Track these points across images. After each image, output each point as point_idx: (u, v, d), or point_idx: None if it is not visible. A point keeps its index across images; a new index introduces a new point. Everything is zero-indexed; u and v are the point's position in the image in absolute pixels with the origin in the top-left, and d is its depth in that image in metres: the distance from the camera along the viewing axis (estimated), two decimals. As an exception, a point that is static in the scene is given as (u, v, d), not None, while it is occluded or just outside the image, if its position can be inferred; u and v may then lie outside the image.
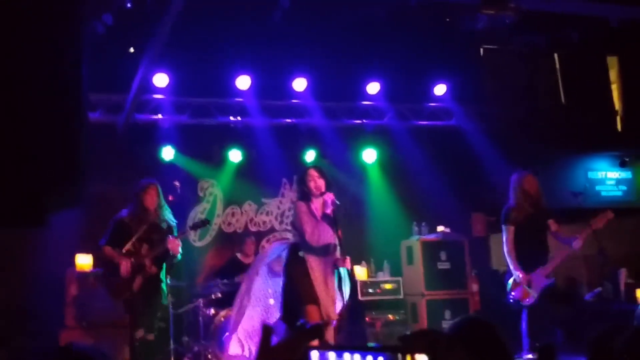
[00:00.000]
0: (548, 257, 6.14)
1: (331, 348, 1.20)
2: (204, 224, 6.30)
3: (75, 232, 7.03)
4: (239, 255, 7.67)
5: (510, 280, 6.10)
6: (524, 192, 6.19)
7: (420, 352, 1.11)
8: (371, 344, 1.18)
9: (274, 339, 1.40)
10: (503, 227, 6.18)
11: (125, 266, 5.70)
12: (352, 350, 1.17)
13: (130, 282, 5.72)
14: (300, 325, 1.29)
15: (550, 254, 6.19)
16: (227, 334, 6.10)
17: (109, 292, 5.86)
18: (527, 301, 6.02)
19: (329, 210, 5.24)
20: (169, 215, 5.98)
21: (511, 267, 6.07)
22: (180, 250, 5.77)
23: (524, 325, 6.04)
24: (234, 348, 5.91)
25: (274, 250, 5.92)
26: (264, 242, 8.32)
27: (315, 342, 1.26)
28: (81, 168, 3.85)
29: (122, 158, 7.57)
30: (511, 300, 6.14)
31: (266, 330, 1.29)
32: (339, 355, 1.19)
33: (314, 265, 5.24)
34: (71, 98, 3.85)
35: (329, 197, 5.25)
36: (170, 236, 5.77)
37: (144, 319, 5.72)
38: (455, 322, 2.28)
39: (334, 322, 5.38)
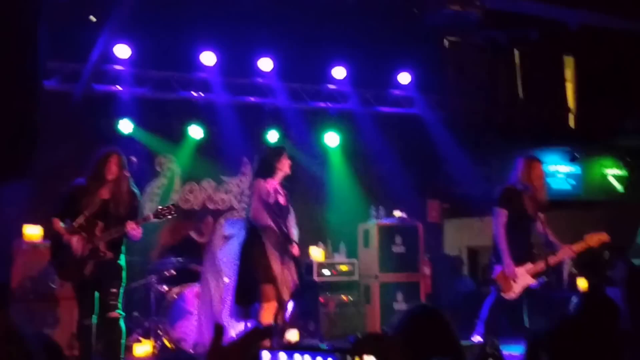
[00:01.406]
0: (533, 253, 5.78)
1: (282, 348, 1.22)
2: (169, 211, 5.32)
3: (26, 203, 6.85)
4: (192, 234, 7.60)
5: (499, 271, 5.66)
6: (529, 179, 5.70)
7: (368, 353, 1.15)
8: (322, 345, 1.21)
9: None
10: (496, 209, 5.67)
11: (77, 243, 5.00)
12: (303, 350, 1.19)
13: (81, 265, 5.02)
14: (253, 325, 1.30)
15: (534, 250, 5.83)
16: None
17: (58, 273, 5.22)
18: (509, 296, 5.65)
19: (271, 200, 5.28)
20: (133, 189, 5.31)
21: (502, 255, 5.60)
22: (140, 236, 5.11)
23: (484, 310, 5.78)
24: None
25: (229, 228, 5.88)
26: (221, 220, 8.27)
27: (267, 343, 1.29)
28: (32, 137, 3.70)
29: (78, 129, 7.36)
30: (491, 288, 5.78)
31: (218, 330, 1.28)
32: (290, 356, 1.20)
33: (271, 245, 5.25)
34: (25, 65, 3.70)
35: (271, 185, 5.30)
36: (129, 221, 5.02)
37: (93, 303, 5.03)
38: (405, 311, 2.35)
39: (288, 302, 5.38)
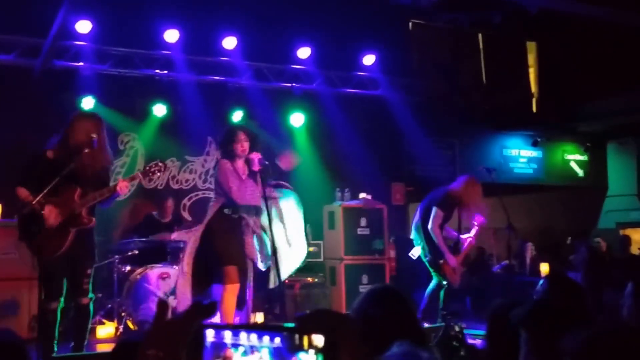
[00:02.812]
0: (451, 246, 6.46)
1: (227, 327, 1.18)
2: (158, 168, 4.99)
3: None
4: (155, 214, 7.48)
5: (444, 265, 6.28)
6: (467, 197, 6.26)
7: (317, 332, 1.10)
8: (268, 324, 1.18)
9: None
10: (436, 209, 6.25)
11: (49, 212, 4.57)
12: (249, 329, 1.15)
13: (61, 236, 4.63)
14: (196, 301, 1.26)
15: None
16: None
17: (31, 249, 4.67)
18: (456, 285, 6.31)
19: (255, 168, 5.16)
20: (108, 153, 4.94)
21: (442, 251, 6.22)
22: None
23: (431, 292, 6.34)
24: None
25: None
26: (185, 201, 8.16)
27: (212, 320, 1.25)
28: None
29: (38, 105, 7.17)
30: (445, 283, 6.30)
31: (161, 306, 1.23)
32: (235, 334, 1.16)
33: (238, 224, 5.17)
34: None
35: (256, 155, 5.18)
36: (120, 179, 4.78)
37: (61, 285, 4.67)
38: (366, 291, 2.32)
39: (250, 284, 5.28)
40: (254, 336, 1.14)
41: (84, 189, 4.71)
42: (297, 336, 1.10)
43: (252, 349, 1.14)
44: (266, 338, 1.13)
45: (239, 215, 5.15)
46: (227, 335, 1.16)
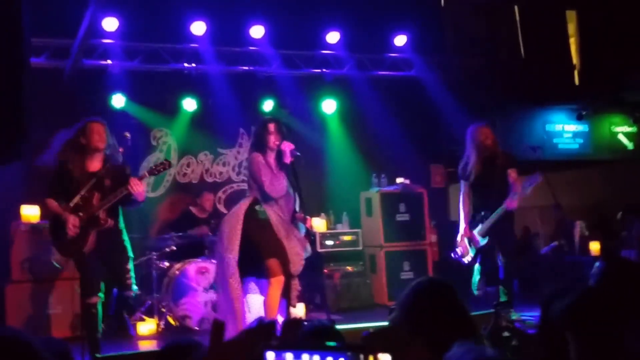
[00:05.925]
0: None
1: (288, 347, 1.13)
2: (164, 166, 5.20)
3: (21, 183, 6.74)
4: (193, 209, 7.47)
5: (458, 236, 6.16)
6: (480, 145, 6.01)
7: (383, 351, 1.07)
8: (331, 343, 1.12)
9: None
10: (461, 181, 6.19)
11: (72, 223, 4.87)
12: (312, 350, 1.11)
13: (81, 239, 4.91)
14: (256, 321, 1.20)
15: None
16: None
17: (59, 250, 5.08)
18: (466, 261, 6.08)
19: (287, 160, 5.07)
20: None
21: (459, 221, 6.14)
22: (144, 194, 5.04)
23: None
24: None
25: None
26: (220, 194, 8.13)
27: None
28: (22, 117, 3.52)
29: (71, 105, 7.22)
30: (453, 256, 6.19)
31: (217, 326, 1.19)
32: (297, 356, 1.12)
33: (274, 217, 5.08)
34: (11, 44, 3.51)
35: (288, 146, 5.08)
36: (131, 178, 4.92)
37: (98, 281, 4.90)
38: (410, 287, 2.18)
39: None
40: (316, 357, 1.11)
41: (103, 194, 4.97)
42: (362, 356, 1.08)
43: None
44: (329, 359, 1.09)
45: (272, 208, 5.07)
46: (289, 357, 1.12)
